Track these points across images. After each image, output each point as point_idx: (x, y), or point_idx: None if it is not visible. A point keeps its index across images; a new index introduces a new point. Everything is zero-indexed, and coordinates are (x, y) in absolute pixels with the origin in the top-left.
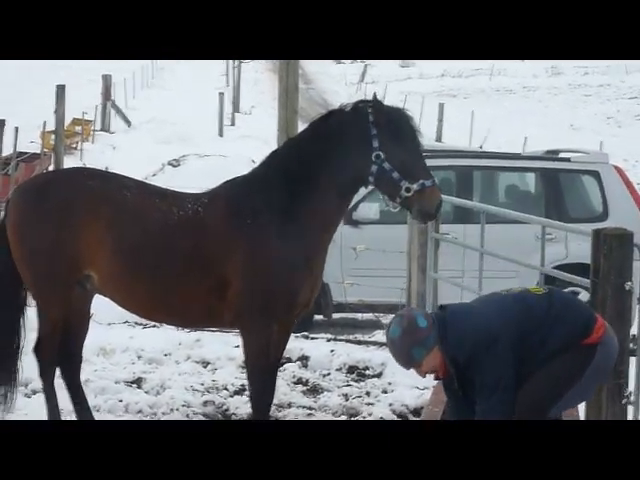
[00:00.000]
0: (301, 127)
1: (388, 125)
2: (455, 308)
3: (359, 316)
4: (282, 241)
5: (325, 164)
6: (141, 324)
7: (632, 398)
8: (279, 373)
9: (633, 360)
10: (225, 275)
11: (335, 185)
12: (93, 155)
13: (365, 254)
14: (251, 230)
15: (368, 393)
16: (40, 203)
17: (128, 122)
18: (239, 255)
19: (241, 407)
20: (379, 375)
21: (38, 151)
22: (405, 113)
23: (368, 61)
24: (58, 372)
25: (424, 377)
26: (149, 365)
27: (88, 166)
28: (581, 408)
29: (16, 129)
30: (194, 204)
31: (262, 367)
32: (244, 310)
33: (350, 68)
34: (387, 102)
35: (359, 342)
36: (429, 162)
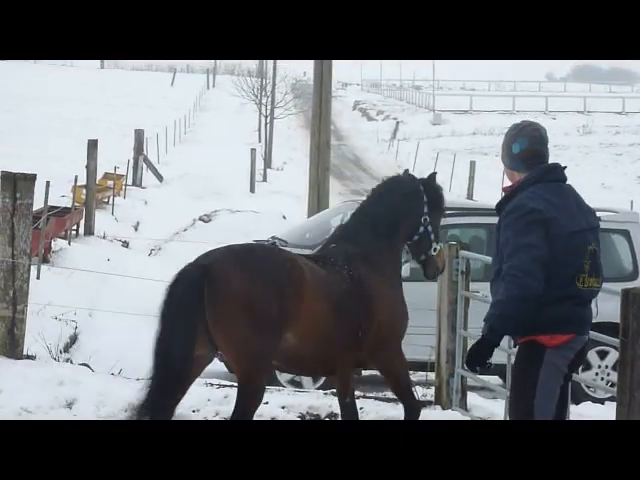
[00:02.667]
0: (332, 183)
1: (433, 194)
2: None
3: None
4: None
5: (402, 217)
6: None
7: None
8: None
9: None
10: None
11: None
12: (125, 210)
13: None
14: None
15: None
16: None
17: (160, 177)
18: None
19: None
20: None
21: (69, 205)
22: (440, 186)
23: (400, 118)
24: None
25: None
26: None
27: (119, 221)
28: None
29: (47, 183)
30: (342, 266)
31: None
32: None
33: (382, 125)
34: (419, 159)
35: (388, 400)
36: (461, 220)
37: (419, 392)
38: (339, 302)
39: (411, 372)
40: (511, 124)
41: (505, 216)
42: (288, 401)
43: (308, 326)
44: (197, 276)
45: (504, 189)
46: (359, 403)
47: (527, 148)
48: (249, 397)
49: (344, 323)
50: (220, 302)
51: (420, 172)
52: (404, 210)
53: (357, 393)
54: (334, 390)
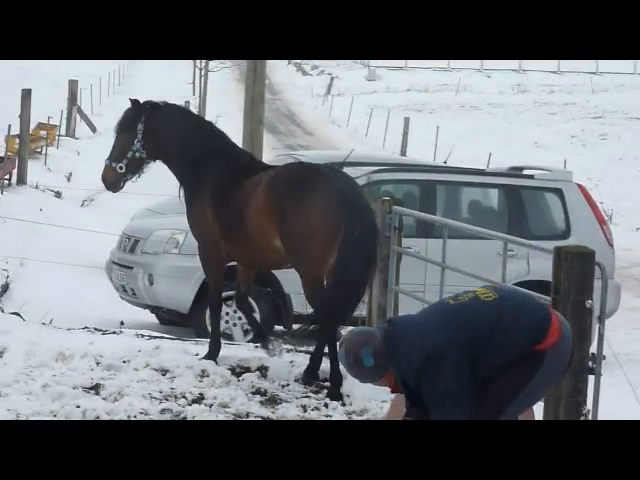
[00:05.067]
0: (266, 137)
1: None
2: (402, 323)
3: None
4: None
5: None
6: (100, 330)
7: (589, 416)
8: (237, 383)
9: (591, 378)
10: None
11: None
12: (57, 160)
13: None
14: None
15: (327, 405)
16: None
17: (93, 128)
18: None
19: (198, 416)
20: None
21: (1, 155)
22: None
23: (335, 73)
24: None
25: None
26: (107, 372)
27: (52, 171)
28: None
29: None
30: None
31: None
32: None
33: (317, 80)
34: (353, 115)
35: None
36: (394, 175)
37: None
38: None
39: (343, 328)
40: (446, 82)
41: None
42: (219, 353)
43: None
44: None
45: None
46: (289, 356)
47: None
48: None
49: None
50: None
51: (354, 128)
52: None
53: (288, 347)
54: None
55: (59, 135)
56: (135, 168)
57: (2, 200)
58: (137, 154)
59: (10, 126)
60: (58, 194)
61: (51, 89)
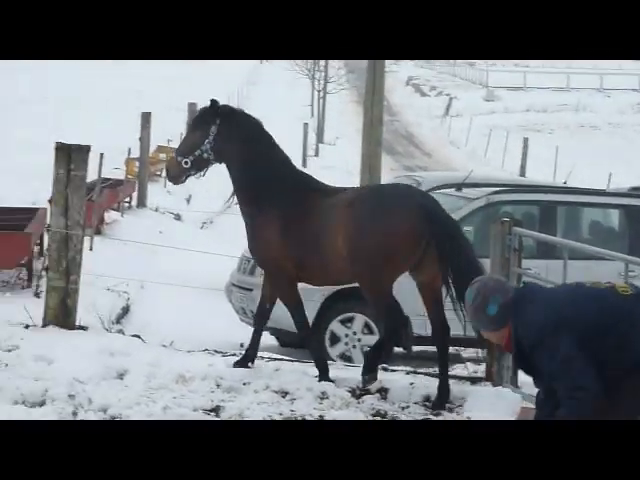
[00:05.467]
0: (384, 158)
1: None
2: (536, 289)
3: None
4: None
5: None
6: (220, 352)
7: None
8: (357, 405)
9: None
10: None
11: None
12: None
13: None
14: None
15: None
16: None
17: None
18: None
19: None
20: (459, 408)
21: (122, 178)
22: None
23: (453, 94)
24: None
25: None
26: (227, 394)
27: (171, 193)
28: None
29: (101, 155)
30: None
31: None
32: None
33: (435, 101)
34: (471, 135)
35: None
36: (513, 196)
37: (470, 369)
38: None
39: (462, 349)
40: (565, 101)
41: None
42: (338, 375)
43: None
44: None
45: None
46: (409, 378)
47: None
48: None
49: None
50: None
51: (473, 148)
52: None
53: (408, 368)
54: (384, 365)
55: None
56: (200, 166)
57: (122, 223)
58: (205, 154)
59: (130, 149)
60: (178, 216)
61: (171, 112)
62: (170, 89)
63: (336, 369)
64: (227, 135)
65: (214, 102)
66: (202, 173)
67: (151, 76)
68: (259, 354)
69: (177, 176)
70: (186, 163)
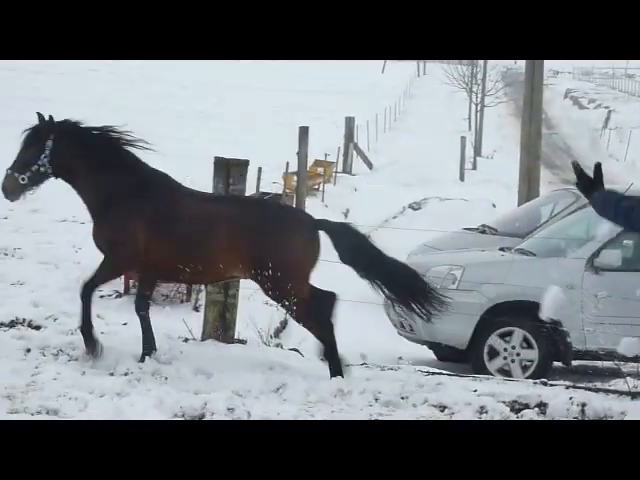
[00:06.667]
0: (543, 172)
1: None
2: None
3: (599, 364)
4: None
5: None
6: (379, 366)
7: None
8: (515, 419)
9: None
10: None
11: None
12: (334, 197)
13: (606, 301)
14: None
15: None
16: None
17: (370, 164)
18: None
19: None
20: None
21: (280, 192)
22: None
23: (612, 106)
24: None
25: None
26: (386, 408)
27: (329, 207)
28: None
29: (259, 169)
30: None
31: None
32: None
33: (593, 114)
34: (631, 148)
35: (598, 390)
36: None
37: (630, 383)
38: None
39: (622, 363)
40: None
41: None
42: (497, 389)
43: None
44: None
45: None
46: (569, 393)
47: None
48: None
49: None
50: None
51: (632, 161)
52: None
53: (567, 383)
54: (544, 380)
55: (336, 172)
56: (37, 181)
57: None
58: (42, 169)
59: (288, 163)
60: None
61: (328, 126)
62: (327, 103)
63: (494, 383)
64: (66, 149)
65: (41, 117)
66: (38, 188)
67: (309, 90)
68: (417, 368)
69: (14, 192)
70: (23, 179)
